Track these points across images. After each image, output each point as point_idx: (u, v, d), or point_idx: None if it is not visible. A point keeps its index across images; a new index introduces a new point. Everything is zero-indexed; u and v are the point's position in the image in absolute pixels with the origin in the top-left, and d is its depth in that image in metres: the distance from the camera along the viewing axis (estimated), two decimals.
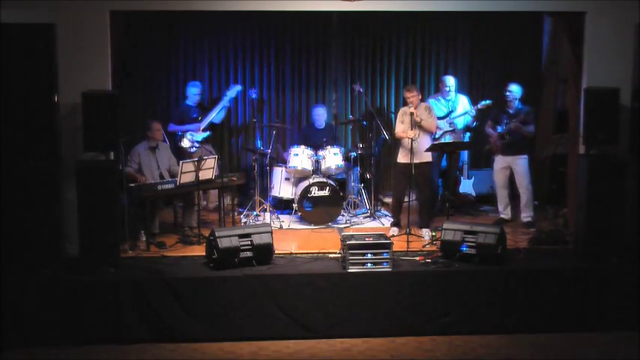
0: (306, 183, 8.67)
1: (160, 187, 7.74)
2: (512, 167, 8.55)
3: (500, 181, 8.66)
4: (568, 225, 8.16)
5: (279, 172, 9.03)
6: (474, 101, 9.10)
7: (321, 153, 8.84)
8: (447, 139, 8.86)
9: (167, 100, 9.68)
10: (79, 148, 6.93)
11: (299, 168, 8.80)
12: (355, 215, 8.96)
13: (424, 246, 7.67)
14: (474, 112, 8.94)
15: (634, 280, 6.95)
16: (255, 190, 8.94)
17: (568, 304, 6.92)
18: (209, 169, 7.89)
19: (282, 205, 9.14)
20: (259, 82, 9.72)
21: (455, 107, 9.06)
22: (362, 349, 6.59)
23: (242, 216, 8.80)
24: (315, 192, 8.57)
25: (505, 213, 8.67)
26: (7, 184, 6.86)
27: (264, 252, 7.06)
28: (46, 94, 6.93)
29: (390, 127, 9.23)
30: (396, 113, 8.85)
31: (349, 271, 6.84)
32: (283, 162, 9.13)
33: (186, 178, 7.73)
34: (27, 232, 6.85)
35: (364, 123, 9.36)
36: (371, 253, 6.87)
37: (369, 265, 6.86)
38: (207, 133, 8.96)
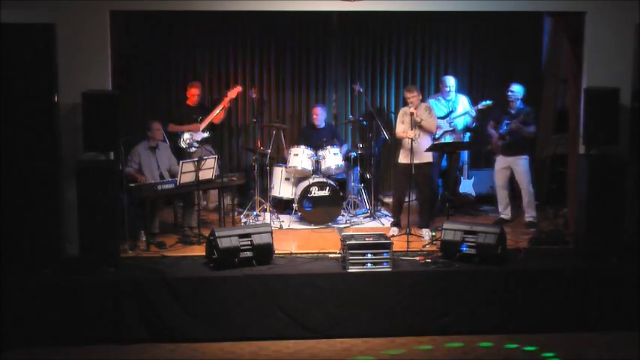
0: (306, 183, 8.66)
1: (159, 187, 7.74)
2: (512, 168, 8.55)
3: (500, 181, 8.65)
4: (568, 225, 8.16)
5: (279, 172, 9.03)
6: (474, 101, 9.10)
7: (321, 153, 8.84)
8: (447, 139, 8.86)
9: (167, 100, 9.67)
10: (79, 148, 6.93)
11: (299, 168, 8.80)
12: (355, 215, 8.95)
13: (424, 246, 7.67)
14: (474, 113, 8.94)
15: (634, 280, 6.95)
16: (255, 190, 8.94)
17: (568, 304, 6.92)
18: (209, 169, 7.89)
19: (282, 205, 9.15)
20: (259, 82, 9.72)
21: (455, 107, 9.06)
22: (362, 349, 6.58)
23: (242, 216, 8.80)
24: (315, 192, 8.57)
25: (505, 213, 8.67)
26: (7, 184, 6.85)
27: (264, 252, 7.06)
28: (46, 94, 6.92)
29: (390, 127, 9.23)
30: (396, 113, 8.86)
31: (349, 271, 6.84)
32: (283, 162, 9.14)
33: (186, 178, 7.73)
34: (27, 232, 6.84)
35: (364, 123, 9.35)
36: (371, 253, 6.87)
37: (369, 265, 6.86)
38: (207, 133, 8.96)
